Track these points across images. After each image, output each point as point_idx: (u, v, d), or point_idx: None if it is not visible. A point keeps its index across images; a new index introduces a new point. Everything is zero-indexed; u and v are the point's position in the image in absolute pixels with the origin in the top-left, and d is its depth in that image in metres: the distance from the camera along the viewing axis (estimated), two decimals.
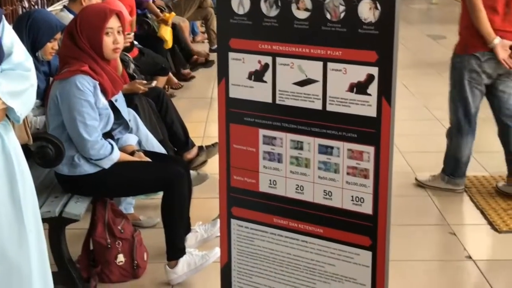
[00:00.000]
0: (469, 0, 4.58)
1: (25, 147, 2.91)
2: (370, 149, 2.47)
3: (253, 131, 2.68)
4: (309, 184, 2.62)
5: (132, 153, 3.91)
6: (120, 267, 3.84)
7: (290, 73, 2.55)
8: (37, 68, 3.70)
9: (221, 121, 2.74)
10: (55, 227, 3.63)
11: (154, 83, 5.41)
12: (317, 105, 2.52)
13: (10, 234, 2.67)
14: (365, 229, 2.55)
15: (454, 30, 5.09)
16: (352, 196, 2.54)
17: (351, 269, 2.61)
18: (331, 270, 2.65)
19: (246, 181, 2.75)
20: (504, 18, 4.66)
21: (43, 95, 4.09)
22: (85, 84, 3.62)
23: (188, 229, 4.11)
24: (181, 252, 3.81)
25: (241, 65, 2.64)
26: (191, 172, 4.53)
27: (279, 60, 2.56)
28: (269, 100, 2.61)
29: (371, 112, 2.43)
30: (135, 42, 6.45)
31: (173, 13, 8.57)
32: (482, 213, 4.73)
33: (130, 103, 4.59)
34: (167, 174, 3.78)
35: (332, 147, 2.54)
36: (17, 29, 4.02)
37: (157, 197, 4.05)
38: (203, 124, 6.81)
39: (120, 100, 3.95)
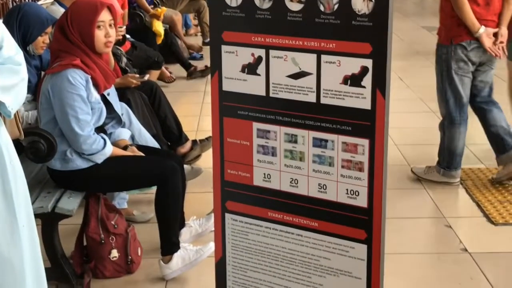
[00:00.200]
0: None
1: (16, 142, 2.89)
2: (364, 142, 2.45)
3: (247, 124, 2.67)
4: (303, 177, 2.61)
5: (125, 148, 3.89)
6: (114, 262, 3.82)
7: (284, 65, 2.53)
8: (28, 63, 3.70)
9: (214, 114, 2.73)
10: (48, 223, 3.61)
11: (146, 77, 5.38)
12: (311, 98, 2.51)
13: (3, 230, 2.65)
14: (360, 223, 2.54)
15: None
16: (347, 189, 2.53)
17: (347, 262, 2.60)
18: (327, 264, 2.65)
19: (240, 175, 2.74)
20: (485, 8, 4.71)
21: (34, 89, 4.06)
22: (77, 78, 3.60)
23: (182, 224, 4.09)
24: (176, 247, 3.79)
25: (234, 58, 2.62)
26: (185, 166, 4.51)
27: (272, 52, 2.55)
28: (263, 93, 2.60)
29: (366, 104, 2.41)
30: (127, 36, 6.41)
31: (164, 8, 8.53)
32: (478, 205, 4.72)
33: (122, 97, 4.56)
34: (161, 168, 3.76)
35: (326, 140, 2.52)
36: (8, 23, 3.99)
37: (151, 192, 4.04)
38: (196, 118, 6.79)
39: (112, 94, 3.93)
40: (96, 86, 3.70)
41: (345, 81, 2.43)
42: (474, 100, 4.99)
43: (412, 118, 6.68)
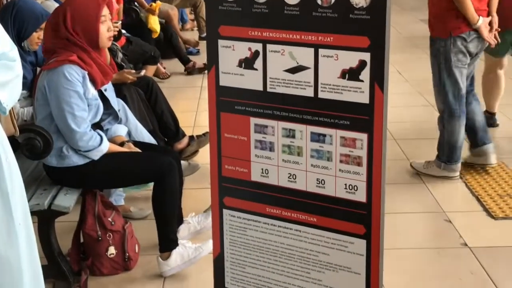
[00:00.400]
0: None
1: (12, 139, 2.86)
2: (363, 136, 2.44)
3: (244, 119, 2.65)
4: (301, 172, 2.60)
5: (121, 144, 3.87)
6: (111, 259, 3.80)
7: (281, 60, 2.52)
8: (23, 58, 3.68)
9: (211, 110, 2.72)
10: (44, 220, 3.59)
11: (143, 72, 5.35)
12: (309, 92, 2.50)
13: None
14: (359, 217, 2.53)
15: None
16: (346, 184, 2.52)
17: (346, 258, 2.60)
18: (325, 259, 2.64)
19: (238, 170, 2.72)
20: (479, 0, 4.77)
21: (30, 85, 4.04)
22: (74, 74, 3.57)
23: (180, 221, 4.07)
24: (174, 243, 3.77)
25: (231, 52, 2.61)
26: (182, 162, 4.49)
27: (269, 47, 2.54)
28: (260, 88, 2.59)
29: (364, 98, 2.40)
30: (123, 31, 6.39)
31: (159, 2, 8.49)
32: (478, 199, 4.70)
33: (118, 93, 4.54)
34: (158, 165, 3.74)
35: (324, 135, 2.51)
36: (2, 19, 3.98)
37: (148, 189, 4.01)
38: (193, 114, 6.76)
39: (109, 90, 3.91)
40: (93, 82, 3.68)
41: (343, 75, 2.42)
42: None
43: (410, 112, 6.65)
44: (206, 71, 2.76)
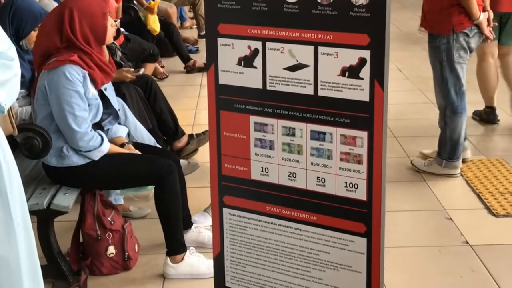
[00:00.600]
0: None
1: (11, 139, 2.85)
2: (363, 134, 2.43)
3: (244, 118, 2.65)
4: (301, 171, 2.59)
5: (122, 145, 3.85)
6: (111, 259, 3.79)
7: (281, 58, 2.51)
8: (21, 57, 3.66)
9: (211, 108, 2.71)
10: (44, 220, 3.58)
11: (141, 71, 5.33)
12: (309, 90, 2.49)
13: None
14: (359, 216, 2.52)
15: None
16: (346, 183, 2.51)
17: (346, 256, 2.59)
18: (326, 258, 2.63)
19: (238, 169, 2.72)
20: None
21: (28, 84, 4.03)
22: (74, 74, 3.56)
23: (188, 223, 4.02)
24: (182, 247, 3.74)
25: (231, 50, 2.61)
26: (182, 161, 4.48)
27: (269, 45, 2.53)
28: (260, 86, 2.58)
29: (364, 96, 2.39)
30: (122, 29, 6.37)
31: (157, 0, 8.47)
32: (479, 197, 4.69)
33: (117, 91, 4.52)
34: (157, 167, 3.71)
35: (324, 133, 2.50)
36: (0, 17, 3.98)
37: (146, 192, 4.01)
38: (192, 112, 6.75)
39: (109, 89, 3.89)
40: (94, 82, 3.66)
41: (343, 73, 2.41)
42: None
43: (411, 109, 6.64)
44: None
